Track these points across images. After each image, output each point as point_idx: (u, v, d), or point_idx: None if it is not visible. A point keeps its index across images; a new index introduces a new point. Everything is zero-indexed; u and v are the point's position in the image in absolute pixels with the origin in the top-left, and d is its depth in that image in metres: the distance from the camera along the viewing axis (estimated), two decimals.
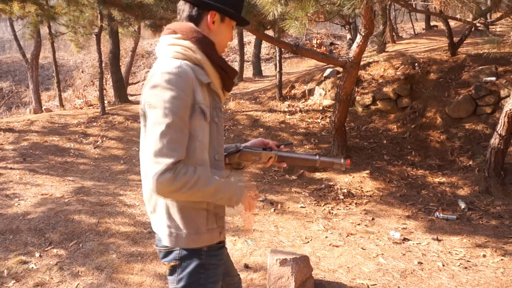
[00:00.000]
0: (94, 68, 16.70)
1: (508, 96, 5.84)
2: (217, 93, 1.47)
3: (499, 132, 5.01)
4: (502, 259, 3.67)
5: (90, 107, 11.20)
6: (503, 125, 4.95)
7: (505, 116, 4.90)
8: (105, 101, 9.91)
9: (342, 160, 1.64)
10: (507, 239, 4.06)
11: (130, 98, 11.40)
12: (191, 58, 1.39)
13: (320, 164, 1.63)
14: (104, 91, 10.72)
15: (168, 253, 1.46)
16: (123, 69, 13.06)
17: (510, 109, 4.82)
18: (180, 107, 1.31)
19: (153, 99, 1.32)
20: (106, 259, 3.55)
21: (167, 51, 1.41)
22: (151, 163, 1.29)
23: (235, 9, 1.47)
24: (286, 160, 1.64)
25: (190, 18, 1.44)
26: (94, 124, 8.40)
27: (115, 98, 11.02)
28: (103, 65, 9.18)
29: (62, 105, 11.11)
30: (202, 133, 1.38)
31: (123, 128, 8.09)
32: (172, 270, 1.45)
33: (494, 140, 5.07)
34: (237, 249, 3.78)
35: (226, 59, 17.34)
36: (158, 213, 1.46)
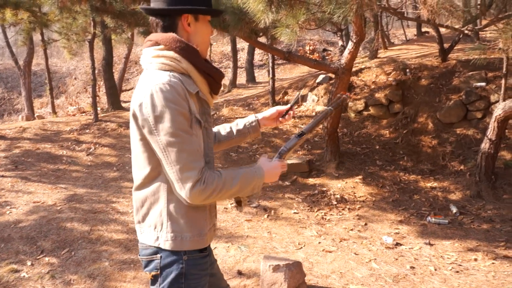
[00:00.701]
0: (87, 74, 16.67)
1: (498, 101, 5.92)
2: (205, 100, 1.49)
3: (489, 137, 5.06)
4: (493, 263, 3.70)
5: (83, 114, 11.18)
6: (493, 130, 5.01)
7: (494, 121, 4.96)
8: (98, 108, 9.89)
9: (345, 95, 1.74)
10: (498, 242, 4.10)
11: (123, 104, 11.38)
12: (177, 68, 1.40)
13: (335, 110, 1.73)
14: (97, 98, 10.71)
15: (149, 262, 1.47)
16: (116, 76, 13.05)
17: (499, 114, 4.88)
18: (183, 122, 1.34)
19: (157, 121, 1.33)
20: (98, 267, 3.54)
21: (153, 64, 1.41)
22: (179, 181, 1.34)
23: (204, 3, 1.47)
24: (312, 129, 1.69)
25: (166, 29, 1.44)
26: (87, 131, 8.37)
27: (108, 105, 11.00)
28: (96, 72, 9.17)
29: (54, 112, 11.07)
30: (199, 140, 1.41)
31: (116, 135, 8.07)
32: (154, 280, 1.47)
33: (485, 145, 5.13)
34: (230, 255, 3.78)
35: (220, 66, 17.41)
36: (151, 221, 1.46)
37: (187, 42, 1.44)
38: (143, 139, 1.40)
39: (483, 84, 6.50)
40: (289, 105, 1.77)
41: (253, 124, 1.79)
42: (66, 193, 5.37)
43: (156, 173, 1.42)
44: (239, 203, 1.57)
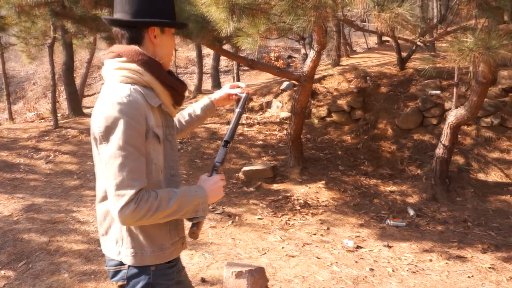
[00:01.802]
0: (47, 79, 16.15)
1: (451, 108, 6.22)
2: (168, 112, 1.51)
3: (443, 142, 5.32)
4: (446, 263, 3.88)
5: (42, 120, 10.82)
6: (446, 135, 5.27)
7: (448, 128, 5.22)
8: (58, 114, 9.61)
9: (246, 94, 1.79)
10: (451, 243, 4.30)
11: (85, 110, 11.10)
12: (139, 81, 1.40)
13: (244, 110, 1.78)
14: (57, 103, 10.41)
15: (116, 272, 1.46)
16: (78, 81, 12.72)
17: (452, 121, 5.13)
18: (134, 137, 1.32)
19: (107, 131, 1.32)
20: (57, 279, 3.44)
21: (115, 76, 1.41)
22: (114, 197, 1.30)
23: (170, 17, 1.48)
24: (234, 135, 1.71)
25: (131, 40, 1.44)
26: (46, 138, 8.12)
27: (69, 111, 10.71)
28: (56, 76, 8.92)
29: (12, 118, 10.65)
30: (157, 155, 1.41)
31: (77, 142, 7.87)
32: None
33: (439, 150, 5.38)
34: (194, 263, 3.77)
35: (185, 71, 17.31)
36: (113, 235, 1.46)
37: (151, 55, 1.44)
38: (100, 152, 1.39)
39: (438, 92, 6.82)
40: (225, 89, 1.86)
41: (209, 107, 1.87)
42: (24, 203, 5.19)
43: None
44: (194, 233, 1.50)
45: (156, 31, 1.46)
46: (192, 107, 1.88)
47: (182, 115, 1.86)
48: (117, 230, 1.44)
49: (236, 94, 1.83)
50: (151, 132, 1.38)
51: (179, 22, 1.53)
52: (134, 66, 1.40)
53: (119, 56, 1.42)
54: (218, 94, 1.88)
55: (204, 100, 1.88)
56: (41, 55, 12.30)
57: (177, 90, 1.49)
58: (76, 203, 5.28)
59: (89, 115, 10.52)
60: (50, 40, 8.98)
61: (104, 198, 1.44)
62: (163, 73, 1.45)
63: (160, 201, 1.34)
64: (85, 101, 13.72)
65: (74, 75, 11.52)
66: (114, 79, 1.41)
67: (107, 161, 1.32)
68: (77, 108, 10.70)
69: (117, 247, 1.45)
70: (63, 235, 4.25)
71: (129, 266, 1.44)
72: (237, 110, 1.74)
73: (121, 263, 1.45)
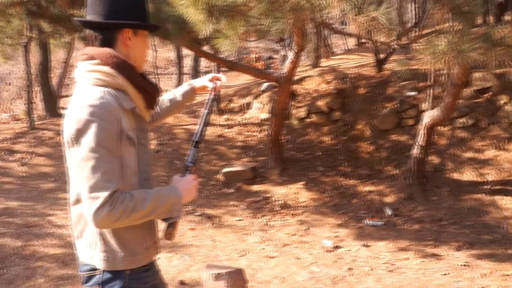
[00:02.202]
0: (22, 80, 15.77)
1: (427, 109, 6.35)
2: (141, 116, 1.50)
3: (419, 143, 5.43)
4: (422, 261, 3.97)
5: (17, 121, 10.56)
6: (423, 136, 5.38)
7: (423, 128, 5.33)
8: (34, 116, 9.39)
9: (212, 95, 1.80)
10: (427, 242, 4.40)
11: (61, 111, 10.89)
12: (112, 84, 1.39)
13: (211, 110, 1.75)
14: (33, 104, 10.17)
15: (90, 277, 1.44)
16: (54, 81, 12.47)
17: (427, 122, 5.25)
18: (107, 139, 1.30)
19: (78, 134, 1.30)
20: (33, 284, 3.38)
21: (88, 78, 1.39)
22: (88, 200, 1.27)
23: (143, 19, 1.47)
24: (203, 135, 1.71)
25: (104, 43, 1.42)
26: (22, 140, 7.93)
27: (45, 112, 10.49)
28: (32, 77, 8.73)
29: None
30: (130, 158, 1.40)
31: (54, 143, 7.72)
32: None
33: (415, 150, 5.49)
34: (173, 265, 3.75)
35: (165, 72, 17.18)
36: (86, 239, 1.44)
37: (125, 57, 1.42)
38: (72, 155, 1.37)
39: (414, 93, 6.96)
40: (209, 77, 1.87)
41: (189, 93, 1.88)
42: None
43: None
44: (169, 234, 1.49)
45: (129, 33, 1.44)
46: (173, 93, 1.90)
47: (162, 101, 1.87)
48: (90, 233, 1.42)
49: (210, 89, 1.84)
50: (124, 135, 1.37)
51: (152, 24, 1.52)
52: (107, 68, 1.38)
53: (92, 58, 1.40)
54: (198, 82, 1.91)
55: (184, 87, 1.91)
56: (16, 54, 11.99)
57: (150, 93, 1.48)
58: (52, 206, 5.18)
59: None
60: (25, 39, 8.78)
61: (78, 201, 1.42)
62: (137, 76, 1.44)
63: (135, 202, 1.32)
64: (62, 102, 13.45)
65: (51, 75, 11.29)
66: (87, 81, 1.40)
67: (79, 164, 1.30)
68: (53, 109, 10.49)
69: (90, 250, 1.43)
70: (39, 239, 4.16)
71: (103, 270, 1.42)
72: (204, 111, 1.75)
73: (95, 268, 1.43)
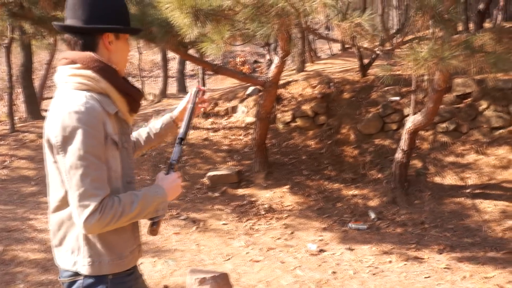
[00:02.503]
0: (3, 81, 15.48)
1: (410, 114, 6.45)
2: (124, 120, 1.49)
3: (402, 147, 5.51)
4: (405, 264, 4.02)
5: None
6: (405, 141, 5.46)
7: (406, 133, 5.41)
8: (15, 118, 9.23)
9: (196, 89, 1.82)
10: (410, 245, 4.46)
11: (44, 114, 10.72)
12: (94, 88, 1.38)
13: (196, 105, 1.78)
14: (15, 106, 10.00)
15: (71, 283, 1.43)
16: (37, 83, 12.28)
17: (410, 127, 5.33)
18: (95, 146, 1.31)
19: (65, 142, 1.29)
20: None
21: (69, 83, 1.38)
22: (78, 207, 1.28)
23: (124, 22, 1.47)
24: (188, 132, 1.73)
25: (86, 47, 1.42)
26: (2, 142, 7.78)
27: (26, 114, 10.32)
28: (14, 78, 8.58)
29: None
30: (115, 162, 1.40)
31: (35, 146, 7.59)
32: None
33: (398, 155, 5.57)
34: (156, 270, 3.72)
35: (150, 75, 17.07)
36: (69, 245, 1.42)
37: (106, 61, 1.42)
38: (57, 161, 1.36)
39: (397, 98, 7.06)
40: (187, 99, 1.81)
41: (169, 124, 1.84)
42: None
43: None
44: (154, 231, 1.50)
45: (110, 37, 1.44)
46: (153, 123, 1.86)
47: (139, 134, 1.83)
48: (73, 239, 1.41)
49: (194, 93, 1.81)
50: (109, 139, 1.37)
51: (133, 28, 1.52)
52: (89, 72, 1.37)
53: (73, 62, 1.39)
54: (177, 109, 1.85)
55: (164, 117, 1.86)
56: None
57: (133, 97, 1.48)
58: (33, 210, 5.09)
59: None
60: (7, 40, 8.63)
61: (59, 207, 1.41)
62: (119, 80, 1.44)
63: (123, 206, 1.34)
64: (44, 104, 13.24)
65: (33, 77, 11.11)
66: (68, 86, 1.38)
67: (67, 171, 1.30)
68: (35, 111, 10.33)
69: (73, 256, 1.41)
70: (19, 244, 4.08)
71: (84, 276, 1.41)
72: (189, 105, 1.75)
73: (76, 274, 1.42)
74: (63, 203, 1.39)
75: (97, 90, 1.39)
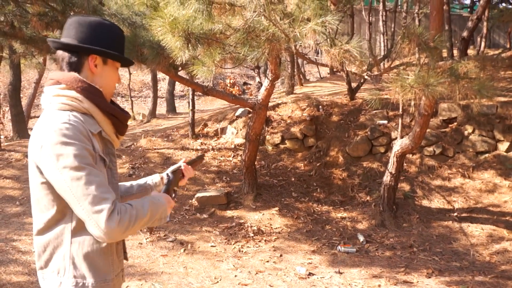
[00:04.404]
0: None
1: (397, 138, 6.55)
2: (109, 140, 1.49)
3: (390, 170, 5.56)
4: None
5: None
6: (393, 164, 5.52)
7: (394, 156, 5.48)
8: (2, 136, 9.11)
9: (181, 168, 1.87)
10: (399, 268, 4.46)
11: (31, 132, 10.61)
12: (78, 108, 1.39)
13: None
14: (1, 125, 9.89)
15: None
16: (25, 101, 12.19)
17: (397, 150, 5.40)
18: (88, 157, 1.31)
19: (58, 159, 1.29)
20: None
21: (53, 103, 1.39)
22: (92, 215, 1.27)
23: (115, 50, 1.49)
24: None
25: (71, 65, 1.44)
26: None
27: (13, 133, 10.20)
28: (1, 96, 8.51)
29: None
30: (100, 169, 1.40)
31: (21, 166, 7.48)
32: None
33: (386, 178, 5.62)
34: None
35: (139, 95, 17.07)
36: (54, 266, 1.40)
37: (90, 82, 1.43)
38: (46, 182, 1.35)
39: (385, 121, 7.17)
40: (175, 167, 1.85)
41: (155, 180, 1.83)
42: None
43: (61, 215, 1.37)
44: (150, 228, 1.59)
45: (97, 60, 1.46)
46: (145, 180, 1.84)
47: (132, 186, 1.80)
48: (59, 259, 1.39)
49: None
50: (97, 156, 1.38)
51: (124, 57, 1.53)
52: (73, 93, 1.39)
53: (58, 83, 1.41)
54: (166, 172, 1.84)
55: (155, 177, 1.85)
56: None
57: (118, 118, 1.48)
58: (17, 231, 4.98)
59: None
60: None
61: (46, 228, 1.40)
62: (103, 101, 1.44)
63: (136, 209, 1.35)
64: (31, 123, 13.12)
65: (21, 96, 11.04)
66: (52, 106, 1.39)
67: (69, 187, 1.28)
68: (22, 130, 10.22)
69: (59, 277, 1.39)
70: (2, 266, 3.98)
71: None
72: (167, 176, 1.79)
73: None
74: (51, 224, 1.38)
75: (81, 110, 1.40)
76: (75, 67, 1.43)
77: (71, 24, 1.46)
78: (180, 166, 1.84)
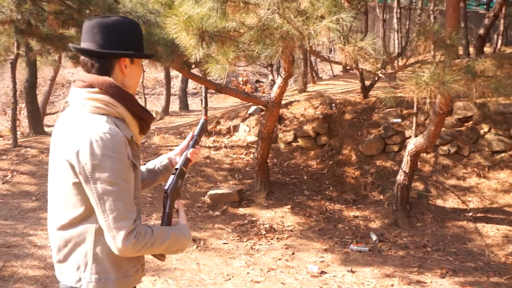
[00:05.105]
0: (7, 96, 15.58)
1: (411, 136, 6.48)
2: (136, 143, 1.53)
3: (403, 169, 5.51)
4: None
5: (0, 138, 10.38)
6: (407, 163, 5.47)
7: (408, 155, 5.42)
8: (18, 133, 9.27)
9: (202, 120, 1.86)
10: (412, 268, 4.42)
11: (46, 129, 10.77)
12: (112, 113, 1.43)
13: (200, 136, 1.82)
14: (18, 121, 10.04)
15: None
16: (40, 98, 12.37)
17: (411, 149, 5.35)
18: (124, 171, 1.36)
19: (95, 169, 1.33)
20: None
21: (87, 106, 1.42)
22: (113, 229, 1.34)
23: (140, 49, 1.54)
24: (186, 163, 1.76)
25: (101, 70, 1.47)
26: (4, 157, 7.79)
27: (29, 129, 10.35)
28: (18, 93, 8.64)
29: None
30: (133, 183, 1.44)
31: (37, 161, 7.60)
32: None
33: (400, 177, 5.57)
34: None
35: (153, 92, 17.18)
36: (74, 261, 1.43)
37: (122, 86, 1.47)
38: (79, 183, 1.38)
39: (399, 120, 7.10)
40: (189, 139, 1.81)
41: (164, 163, 1.81)
42: None
43: (87, 214, 1.40)
44: (162, 256, 1.58)
45: (126, 61, 1.50)
46: (153, 163, 1.83)
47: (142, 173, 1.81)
48: (80, 255, 1.42)
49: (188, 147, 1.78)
50: (130, 162, 1.42)
51: (147, 54, 1.60)
52: (107, 98, 1.42)
53: (91, 86, 1.43)
54: (175, 150, 1.84)
55: (161, 157, 1.85)
56: (2, 71, 11.90)
57: (146, 121, 1.53)
58: (34, 226, 5.07)
59: (50, 134, 10.19)
60: (12, 56, 8.74)
61: (70, 225, 1.42)
62: (135, 105, 1.49)
63: (155, 239, 1.41)
64: (47, 120, 13.33)
65: (37, 93, 11.20)
66: (85, 109, 1.42)
67: (100, 197, 1.34)
68: (38, 126, 10.37)
69: (78, 273, 1.42)
70: (19, 260, 4.05)
71: None
72: (194, 134, 1.79)
73: None
74: (76, 221, 1.41)
75: (114, 115, 1.44)
76: (105, 71, 1.46)
77: (94, 28, 1.46)
78: (187, 156, 1.77)
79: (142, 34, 1.59)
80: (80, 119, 1.40)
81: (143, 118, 1.51)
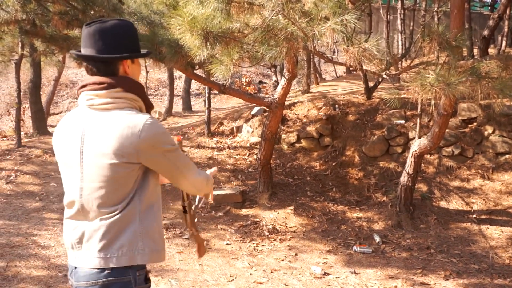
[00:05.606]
0: (11, 96, 15.64)
1: (415, 137, 6.46)
2: None
3: (407, 170, 5.50)
4: None
5: (4, 138, 10.41)
6: (411, 164, 5.46)
7: (411, 157, 5.41)
8: (22, 133, 9.30)
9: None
10: (416, 270, 4.41)
11: (50, 129, 10.80)
12: (135, 107, 1.62)
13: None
14: (22, 122, 10.08)
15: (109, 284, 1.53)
16: (44, 98, 12.40)
17: (415, 151, 5.33)
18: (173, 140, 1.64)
19: (160, 146, 1.56)
20: None
21: (116, 103, 1.56)
22: (194, 177, 1.70)
23: (138, 48, 1.68)
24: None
25: (108, 72, 1.60)
26: (8, 157, 7.82)
27: (33, 129, 10.38)
28: (22, 93, 8.67)
29: None
30: None
31: (41, 162, 7.62)
32: None
33: (403, 178, 5.55)
34: None
35: (156, 93, 17.23)
36: (124, 242, 1.53)
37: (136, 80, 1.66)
38: (125, 163, 1.51)
39: (402, 121, 7.08)
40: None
41: None
42: None
43: (133, 191, 1.56)
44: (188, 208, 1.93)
45: (128, 62, 1.65)
46: None
47: None
48: (130, 235, 1.55)
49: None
50: None
51: (145, 52, 1.74)
52: (131, 94, 1.60)
53: (112, 86, 1.57)
54: None
55: None
56: (6, 71, 11.94)
57: (151, 109, 1.73)
58: (37, 226, 5.08)
59: None
60: (17, 56, 8.77)
61: (112, 212, 1.54)
62: (146, 95, 1.68)
63: (206, 175, 1.80)
64: (50, 120, 13.36)
65: (41, 93, 11.24)
66: (114, 106, 1.56)
67: (174, 163, 1.61)
68: (42, 126, 10.40)
69: (130, 252, 1.55)
70: (22, 260, 4.06)
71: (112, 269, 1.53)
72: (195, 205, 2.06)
73: (125, 270, 1.55)
74: (121, 207, 1.54)
75: (136, 108, 1.62)
76: (111, 73, 1.60)
77: (95, 35, 1.57)
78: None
79: (137, 35, 1.74)
80: (118, 116, 1.54)
81: (151, 106, 1.71)
